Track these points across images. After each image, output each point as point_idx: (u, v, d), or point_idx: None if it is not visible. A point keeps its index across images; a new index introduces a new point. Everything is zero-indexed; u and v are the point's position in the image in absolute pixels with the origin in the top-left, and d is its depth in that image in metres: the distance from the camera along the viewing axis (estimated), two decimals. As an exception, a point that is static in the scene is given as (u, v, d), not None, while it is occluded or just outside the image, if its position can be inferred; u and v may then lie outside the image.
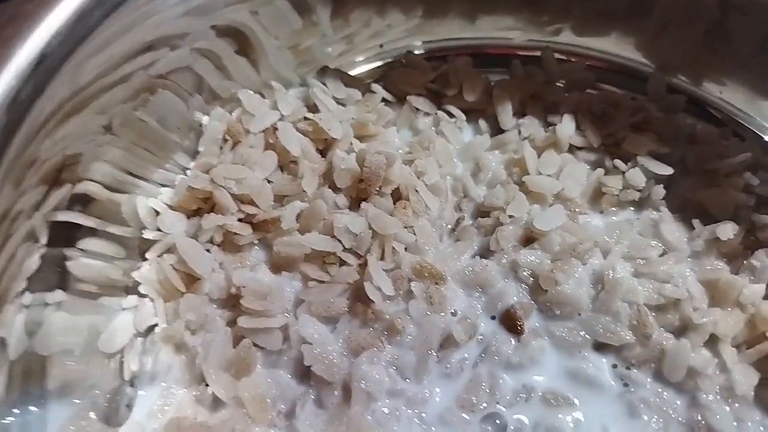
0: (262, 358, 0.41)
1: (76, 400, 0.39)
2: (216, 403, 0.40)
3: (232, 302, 0.42)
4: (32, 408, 0.37)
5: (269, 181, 0.46)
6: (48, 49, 0.33)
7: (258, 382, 0.40)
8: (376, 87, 0.52)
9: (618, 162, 0.48)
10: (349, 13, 0.51)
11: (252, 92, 0.49)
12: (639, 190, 0.47)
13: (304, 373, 0.40)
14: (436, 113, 0.51)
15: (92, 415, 0.39)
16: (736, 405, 0.40)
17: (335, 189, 0.45)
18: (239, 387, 0.39)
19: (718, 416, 0.39)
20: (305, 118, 0.49)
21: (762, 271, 0.43)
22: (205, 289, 0.42)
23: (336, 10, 0.50)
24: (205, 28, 0.44)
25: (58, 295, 0.39)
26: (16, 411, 0.36)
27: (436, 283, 0.42)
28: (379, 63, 0.55)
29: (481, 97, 0.52)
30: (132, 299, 0.43)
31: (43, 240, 0.38)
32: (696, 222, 0.46)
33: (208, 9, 0.43)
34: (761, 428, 0.40)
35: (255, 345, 0.40)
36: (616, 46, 0.54)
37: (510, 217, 0.45)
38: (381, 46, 0.55)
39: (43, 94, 0.33)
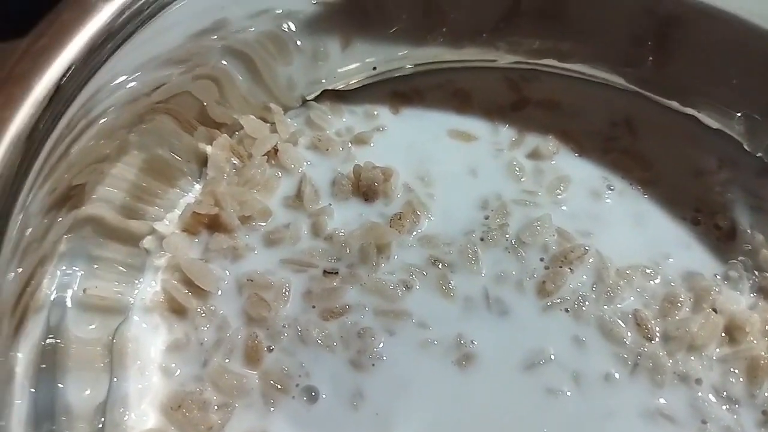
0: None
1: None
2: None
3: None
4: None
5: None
6: (63, 82, 0.35)
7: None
8: (372, 107, 0.54)
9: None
10: (349, 41, 0.53)
11: (253, 117, 0.51)
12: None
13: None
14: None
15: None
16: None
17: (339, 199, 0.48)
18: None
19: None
20: (307, 139, 0.51)
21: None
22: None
23: (341, 39, 0.52)
24: (212, 52, 0.46)
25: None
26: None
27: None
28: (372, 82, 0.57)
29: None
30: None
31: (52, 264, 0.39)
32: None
33: (217, 30, 0.45)
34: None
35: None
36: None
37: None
38: (374, 68, 0.57)
39: (59, 124, 0.35)
